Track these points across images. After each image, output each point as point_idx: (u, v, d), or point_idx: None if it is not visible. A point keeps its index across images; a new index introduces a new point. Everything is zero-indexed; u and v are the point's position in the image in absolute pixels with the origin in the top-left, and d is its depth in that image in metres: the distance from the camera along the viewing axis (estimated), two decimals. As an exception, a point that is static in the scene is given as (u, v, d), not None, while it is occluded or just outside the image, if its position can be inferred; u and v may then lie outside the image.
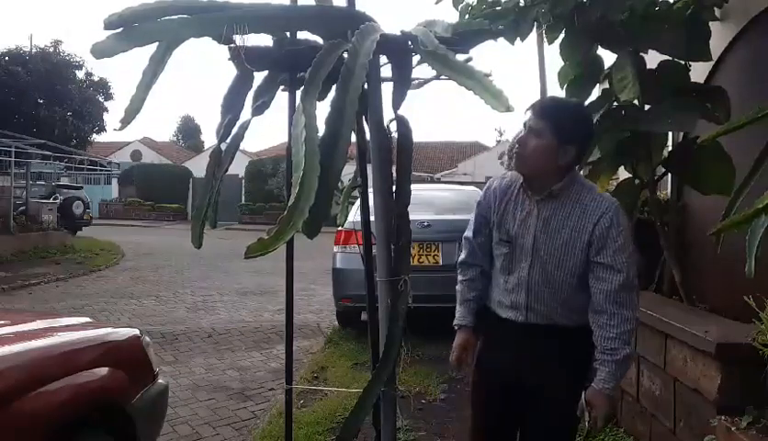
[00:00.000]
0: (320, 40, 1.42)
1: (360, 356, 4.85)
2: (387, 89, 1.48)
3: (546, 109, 1.78)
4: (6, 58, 20.14)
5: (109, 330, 2.49)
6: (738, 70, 3.28)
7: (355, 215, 5.15)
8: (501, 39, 3.02)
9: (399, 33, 1.42)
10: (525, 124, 1.80)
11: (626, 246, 1.80)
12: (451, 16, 12.30)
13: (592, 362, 1.82)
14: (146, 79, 1.30)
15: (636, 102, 2.89)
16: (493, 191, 1.95)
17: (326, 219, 1.12)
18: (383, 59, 1.48)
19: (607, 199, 1.83)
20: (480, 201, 2.01)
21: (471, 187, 7.82)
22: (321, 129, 1.13)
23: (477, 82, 1.18)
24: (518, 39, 3.05)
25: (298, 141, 1.07)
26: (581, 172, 3.85)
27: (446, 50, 1.32)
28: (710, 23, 2.97)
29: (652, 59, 2.97)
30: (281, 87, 1.62)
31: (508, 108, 1.12)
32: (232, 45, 1.36)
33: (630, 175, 3.46)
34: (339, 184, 1.93)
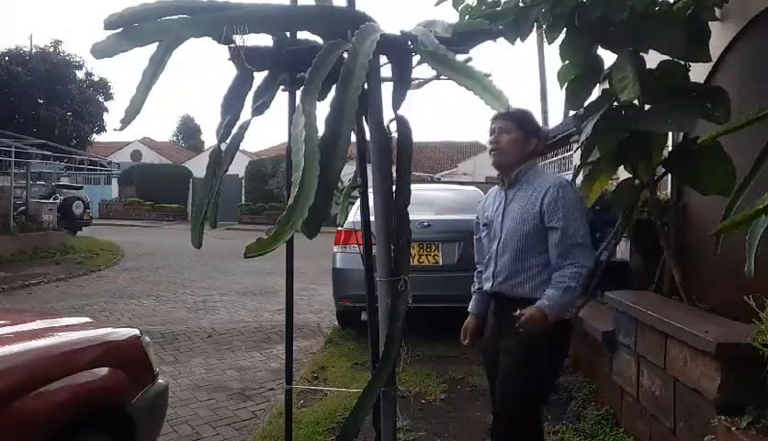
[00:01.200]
0: (320, 40, 1.43)
1: (360, 356, 4.85)
2: (387, 89, 1.48)
3: (510, 113, 2.24)
4: (6, 58, 20.13)
5: (109, 330, 2.49)
6: (738, 70, 3.28)
7: (355, 215, 5.15)
8: (501, 39, 3.02)
9: (399, 33, 1.42)
10: (493, 130, 2.29)
11: (572, 212, 2.17)
12: (451, 16, 12.29)
13: (551, 338, 2.17)
14: (146, 79, 1.30)
15: (636, 102, 2.89)
16: (487, 196, 2.51)
17: (326, 219, 1.12)
18: (383, 59, 1.48)
19: (554, 177, 2.32)
20: (479, 207, 2.54)
21: (471, 187, 7.81)
22: (321, 129, 1.13)
23: (477, 82, 1.18)
24: (518, 39, 3.05)
25: (297, 140, 1.07)
26: (581, 172, 3.86)
27: (446, 50, 1.32)
28: (710, 23, 2.97)
29: (652, 59, 2.97)
30: (281, 87, 1.62)
31: (508, 108, 1.12)
32: (232, 45, 1.36)
33: (630, 175, 3.46)
34: (339, 184, 1.93)
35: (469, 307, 2.56)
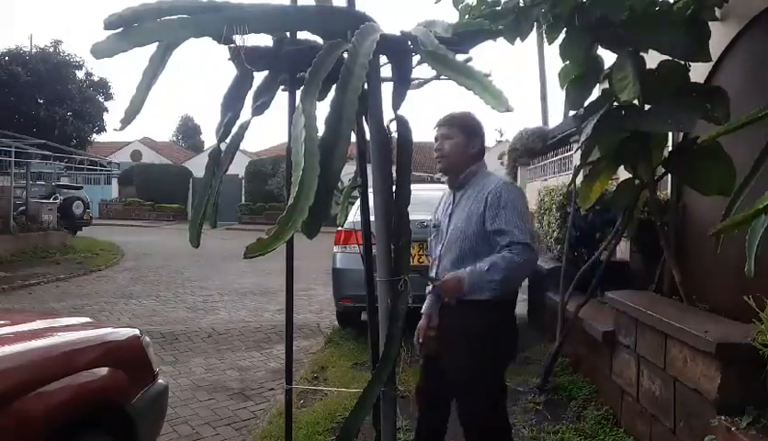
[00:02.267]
0: (320, 40, 1.42)
1: (360, 356, 4.85)
2: (387, 89, 1.48)
3: (450, 119, 2.35)
4: (6, 58, 20.11)
5: (109, 330, 2.49)
6: (738, 70, 3.28)
7: (355, 215, 5.14)
8: (501, 39, 3.01)
9: (399, 33, 1.42)
10: (436, 138, 2.38)
11: (512, 212, 2.19)
12: (451, 16, 12.30)
13: (492, 335, 2.21)
14: (146, 79, 1.30)
15: (636, 102, 2.88)
16: (441, 198, 2.60)
17: (326, 218, 1.12)
18: (383, 59, 1.48)
19: (498, 179, 2.37)
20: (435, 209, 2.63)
21: (471, 187, 7.81)
22: (321, 129, 1.13)
23: (477, 82, 1.17)
24: (518, 39, 3.05)
25: (297, 140, 1.07)
26: (581, 171, 3.86)
27: (446, 50, 1.32)
28: (710, 23, 2.96)
29: (652, 59, 2.97)
30: (281, 87, 1.62)
31: (508, 109, 1.12)
32: (232, 45, 1.36)
33: (630, 175, 3.46)
34: (339, 184, 1.93)
35: (423, 308, 2.49)
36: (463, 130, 2.35)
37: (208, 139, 45.45)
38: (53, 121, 20.07)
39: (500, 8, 3.05)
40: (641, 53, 2.96)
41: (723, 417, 2.21)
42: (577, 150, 5.08)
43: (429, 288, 2.45)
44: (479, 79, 1.18)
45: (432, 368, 2.42)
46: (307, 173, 1.03)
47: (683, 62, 2.92)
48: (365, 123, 1.59)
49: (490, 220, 2.19)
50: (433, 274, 2.37)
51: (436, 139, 2.38)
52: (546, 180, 9.54)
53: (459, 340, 2.24)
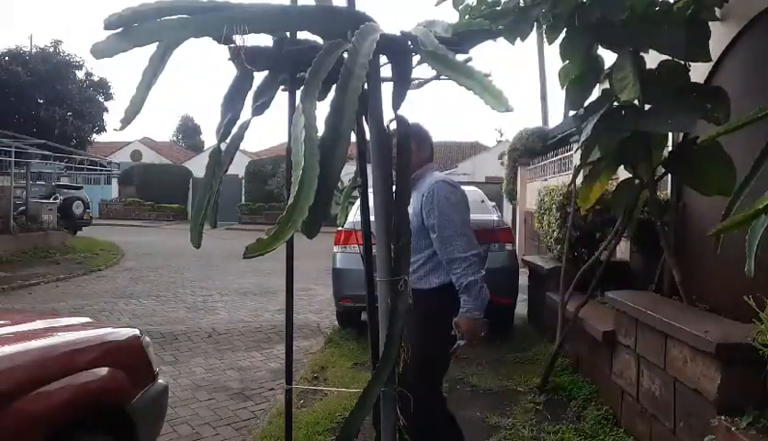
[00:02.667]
0: (320, 40, 1.42)
1: (360, 356, 4.85)
2: (387, 89, 1.48)
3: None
4: (6, 58, 20.11)
5: (109, 330, 2.49)
6: (738, 70, 3.28)
7: (355, 215, 5.14)
8: (501, 39, 3.01)
9: (399, 33, 1.42)
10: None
11: (445, 208, 2.39)
12: (451, 16, 12.30)
13: (439, 318, 2.41)
14: (146, 79, 1.30)
15: (636, 102, 2.88)
16: None
17: (326, 218, 1.12)
18: (383, 59, 1.48)
19: (434, 178, 2.51)
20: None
21: (472, 187, 7.80)
22: (321, 129, 1.13)
23: (477, 82, 1.17)
24: (518, 39, 3.05)
25: (297, 140, 1.07)
26: (581, 171, 3.86)
27: (446, 50, 1.32)
28: (710, 23, 2.96)
29: (652, 59, 2.97)
30: (281, 87, 1.62)
31: (508, 109, 1.12)
32: (232, 45, 1.36)
33: (630, 175, 3.46)
34: (339, 184, 1.92)
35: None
36: (414, 137, 2.47)
37: (208, 139, 45.50)
38: (53, 121, 20.07)
39: (500, 8, 3.05)
40: (641, 53, 2.96)
41: (723, 417, 2.21)
42: (577, 150, 5.08)
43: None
44: (479, 79, 1.18)
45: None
46: (307, 173, 1.03)
47: (683, 62, 2.92)
48: (365, 123, 1.59)
49: (425, 217, 2.43)
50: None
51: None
52: (546, 180, 9.53)
53: (418, 322, 2.35)
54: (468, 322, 2.36)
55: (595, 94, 3.33)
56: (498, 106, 1.12)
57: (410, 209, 2.43)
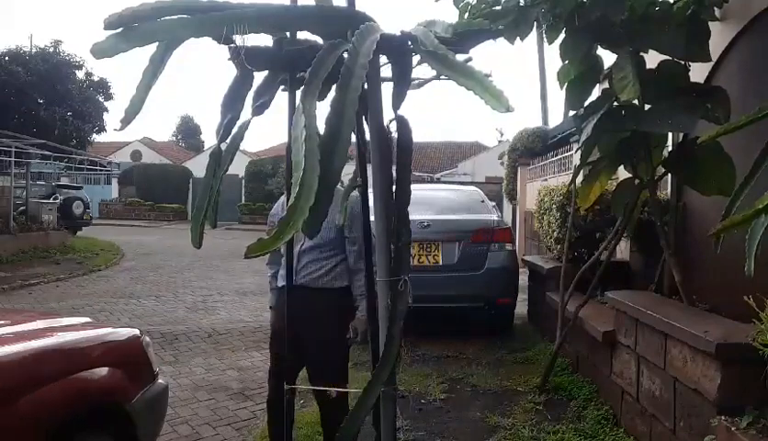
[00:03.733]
0: (319, 40, 1.42)
1: (360, 356, 4.85)
2: (387, 89, 1.48)
3: None
4: (6, 58, 20.11)
5: (109, 330, 2.49)
6: (738, 70, 3.28)
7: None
8: (501, 39, 3.01)
9: (399, 33, 1.42)
10: None
11: (359, 222, 2.48)
12: (451, 16, 12.31)
13: (345, 314, 2.72)
14: (146, 79, 1.30)
15: (636, 102, 2.88)
16: (280, 203, 2.91)
17: (326, 218, 1.12)
18: (383, 59, 1.48)
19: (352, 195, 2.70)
20: (272, 211, 3.14)
21: (471, 187, 7.81)
22: (321, 129, 1.13)
23: (477, 82, 1.17)
24: (518, 39, 3.05)
25: (297, 140, 1.07)
26: (581, 171, 3.86)
27: (446, 50, 1.31)
28: (710, 23, 2.96)
29: (652, 59, 2.97)
30: (281, 87, 1.62)
31: (508, 109, 1.12)
32: (232, 45, 1.36)
33: (630, 175, 3.46)
34: (339, 184, 1.92)
35: (272, 303, 3.01)
36: None
37: (208, 139, 45.52)
38: (53, 121, 20.06)
39: (500, 8, 3.05)
40: (641, 53, 2.96)
41: (723, 417, 2.21)
42: (577, 150, 5.08)
43: (273, 284, 2.95)
44: (479, 79, 1.18)
45: (297, 354, 2.71)
46: (307, 173, 1.03)
47: (682, 62, 2.92)
48: (365, 123, 1.59)
49: (347, 229, 2.67)
50: (299, 265, 2.72)
51: None
52: (546, 180, 9.53)
53: (323, 319, 2.65)
54: (363, 323, 2.68)
55: (595, 94, 3.33)
56: (498, 106, 1.12)
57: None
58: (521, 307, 6.24)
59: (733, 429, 2.10)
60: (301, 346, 2.68)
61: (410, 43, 1.40)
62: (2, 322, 2.35)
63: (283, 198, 2.82)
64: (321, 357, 2.75)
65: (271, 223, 3.03)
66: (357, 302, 2.79)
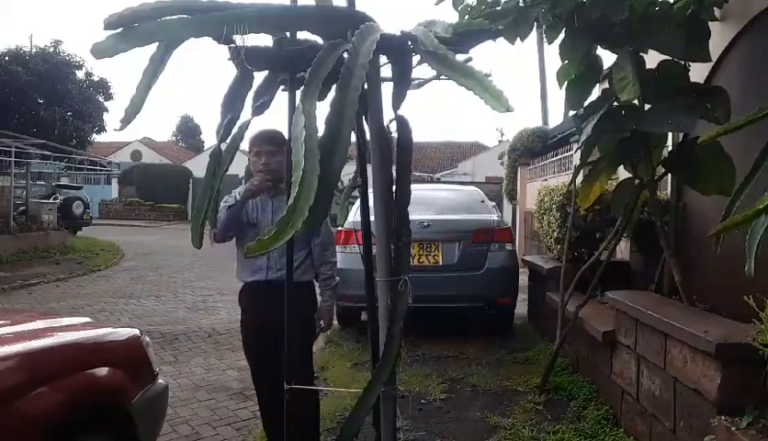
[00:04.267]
0: (319, 40, 1.42)
1: (360, 356, 4.85)
2: (387, 89, 1.48)
3: (273, 138, 2.71)
4: (6, 58, 20.12)
5: (109, 330, 2.49)
6: (738, 70, 3.28)
7: (355, 215, 5.14)
8: (500, 39, 3.01)
9: (399, 33, 1.42)
10: (259, 153, 2.74)
11: (327, 220, 2.54)
12: (451, 16, 12.30)
13: (313, 306, 2.88)
14: (146, 79, 1.30)
15: (636, 102, 2.88)
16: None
17: (326, 218, 1.12)
18: (383, 59, 1.48)
19: None
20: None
21: (471, 187, 7.81)
22: (321, 129, 1.13)
23: (477, 82, 1.17)
24: (518, 39, 3.05)
25: (297, 140, 1.07)
26: (581, 171, 3.86)
27: (446, 50, 1.32)
28: (710, 23, 2.96)
29: (652, 59, 2.97)
30: (281, 87, 1.62)
31: (508, 109, 1.12)
32: (232, 45, 1.36)
33: (630, 175, 3.46)
34: (339, 184, 1.92)
35: (244, 302, 3.12)
36: (282, 146, 2.68)
37: (208, 139, 45.56)
38: (53, 121, 20.07)
39: (500, 8, 3.05)
40: (641, 53, 2.96)
41: (723, 417, 2.21)
42: (577, 150, 5.08)
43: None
44: (479, 79, 1.18)
45: (266, 350, 2.83)
46: (307, 173, 1.03)
47: (682, 62, 2.92)
48: (365, 123, 1.59)
49: None
50: (260, 265, 2.79)
51: (258, 154, 2.73)
52: (546, 180, 9.53)
53: (301, 311, 2.63)
54: (330, 312, 2.96)
55: (595, 94, 3.33)
56: (498, 106, 1.12)
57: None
58: (521, 307, 6.24)
59: (733, 429, 2.10)
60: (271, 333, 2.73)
61: (410, 43, 1.41)
62: (2, 322, 2.34)
63: (236, 190, 2.88)
64: (296, 355, 2.76)
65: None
66: (322, 291, 2.92)
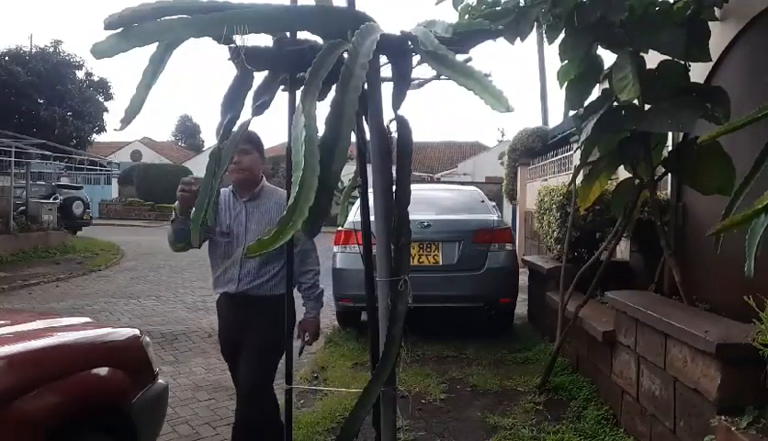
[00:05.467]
0: (320, 40, 1.42)
1: (360, 356, 4.85)
2: (387, 89, 1.48)
3: (247, 136, 2.54)
4: (6, 58, 20.12)
5: (109, 330, 2.49)
6: (738, 70, 3.28)
7: (354, 215, 5.14)
8: (500, 39, 3.01)
9: (399, 33, 1.42)
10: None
11: None
12: (451, 16, 12.31)
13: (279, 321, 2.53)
14: (146, 79, 1.30)
15: (636, 102, 2.88)
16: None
17: (326, 218, 1.12)
18: (383, 59, 1.48)
19: (282, 192, 2.66)
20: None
21: (472, 187, 7.81)
22: (322, 129, 1.13)
23: (476, 82, 1.17)
24: (518, 39, 3.05)
25: (297, 140, 1.07)
26: (581, 171, 3.86)
27: (446, 50, 1.32)
28: (710, 23, 2.96)
29: (652, 59, 2.97)
30: (281, 87, 1.62)
31: (508, 109, 1.12)
32: (232, 45, 1.36)
33: (630, 175, 3.46)
34: (339, 184, 1.92)
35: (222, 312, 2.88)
36: (257, 147, 2.70)
37: (208, 139, 45.60)
38: (53, 121, 20.08)
39: (500, 8, 3.05)
40: (641, 53, 2.96)
41: (723, 417, 2.21)
42: (577, 150, 5.08)
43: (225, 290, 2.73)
44: (478, 79, 1.18)
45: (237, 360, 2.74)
46: (307, 173, 1.03)
47: (682, 62, 2.92)
48: (365, 123, 1.59)
49: None
50: (231, 276, 2.65)
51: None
52: (546, 180, 9.53)
53: (270, 326, 2.50)
54: (315, 324, 2.79)
55: (595, 94, 3.32)
56: (498, 106, 1.12)
57: (261, 222, 2.62)
58: (521, 307, 6.24)
59: (733, 429, 2.10)
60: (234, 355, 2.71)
61: (410, 43, 1.40)
62: (2, 322, 2.34)
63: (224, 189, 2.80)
64: (253, 365, 2.68)
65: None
66: (305, 303, 2.78)
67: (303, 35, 1.51)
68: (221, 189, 2.70)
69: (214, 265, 2.74)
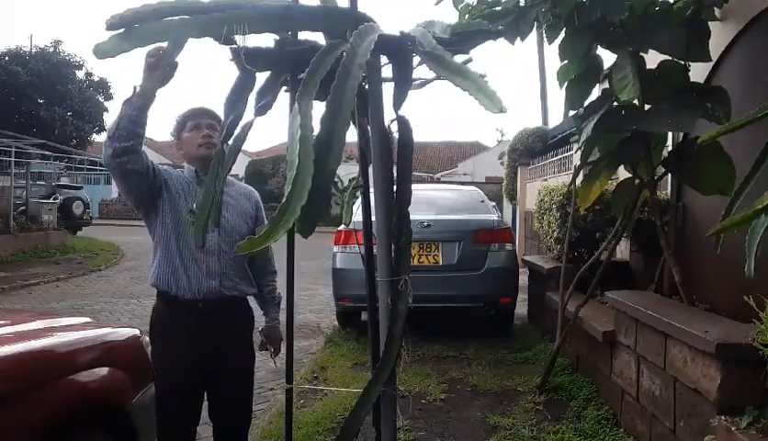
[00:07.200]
0: (321, 41, 1.43)
1: (360, 356, 4.85)
2: (388, 89, 1.49)
3: (211, 112, 2.34)
4: (6, 58, 20.12)
5: (109, 330, 2.49)
6: (738, 70, 3.28)
7: (355, 215, 5.14)
8: (501, 39, 3.01)
9: (398, 33, 1.42)
10: (199, 125, 2.33)
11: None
12: (451, 16, 12.32)
13: (251, 326, 2.43)
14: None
15: (636, 102, 2.88)
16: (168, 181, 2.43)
17: (320, 218, 1.12)
18: (384, 59, 1.48)
19: (251, 187, 2.53)
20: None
21: (472, 187, 7.82)
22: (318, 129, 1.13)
23: (471, 82, 1.17)
24: (518, 39, 3.05)
25: (293, 140, 1.07)
26: (581, 171, 3.86)
27: (443, 50, 1.32)
28: (710, 23, 2.96)
29: (652, 59, 2.97)
30: (284, 88, 1.62)
31: (501, 109, 1.12)
32: (233, 46, 1.36)
33: (630, 175, 3.46)
34: (339, 184, 1.92)
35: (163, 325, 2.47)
36: (220, 123, 2.47)
37: (209, 139, 45.50)
38: (53, 121, 20.06)
39: (500, 8, 3.05)
40: (641, 53, 2.96)
41: (723, 417, 2.21)
42: (577, 150, 5.08)
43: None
44: (473, 79, 1.18)
45: (204, 382, 2.43)
46: (300, 172, 1.03)
47: (682, 62, 2.92)
48: (366, 124, 1.59)
49: (259, 224, 2.39)
50: (215, 260, 2.24)
51: (198, 127, 2.32)
52: (546, 180, 9.54)
53: (241, 338, 2.38)
54: (277, 332, 2.49)
55: (595, 94, 3.33)
56: (491, 106, 1.12)
57: (233, 207, 2.34)
58: (521, 307, 6.24)
59: (733, 429, 2.10)
60: (209, 379, 2.35)
61: (409, 44, 1.41)
62: (1, 322, 2.35)
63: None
64: (236, 385, 2.43)
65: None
66: (266, 309, 2.50)
67: (305, 35, 1.51)
68: (173, 170, 2.50)
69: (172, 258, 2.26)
